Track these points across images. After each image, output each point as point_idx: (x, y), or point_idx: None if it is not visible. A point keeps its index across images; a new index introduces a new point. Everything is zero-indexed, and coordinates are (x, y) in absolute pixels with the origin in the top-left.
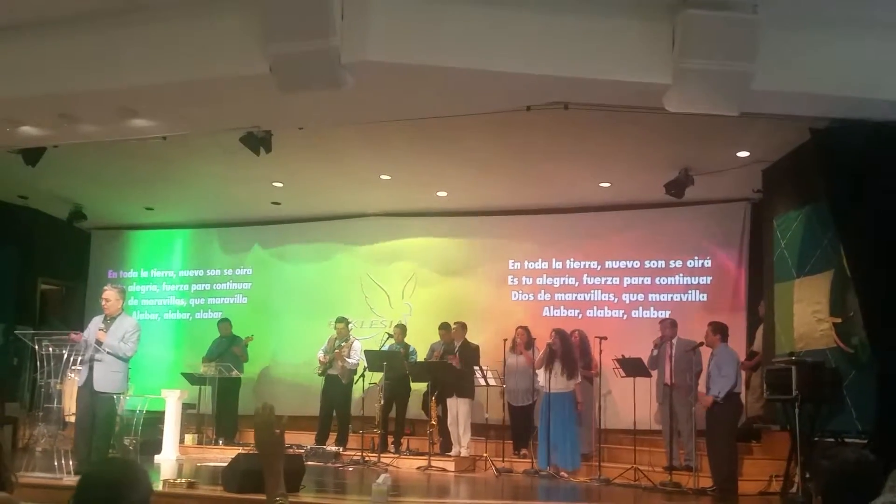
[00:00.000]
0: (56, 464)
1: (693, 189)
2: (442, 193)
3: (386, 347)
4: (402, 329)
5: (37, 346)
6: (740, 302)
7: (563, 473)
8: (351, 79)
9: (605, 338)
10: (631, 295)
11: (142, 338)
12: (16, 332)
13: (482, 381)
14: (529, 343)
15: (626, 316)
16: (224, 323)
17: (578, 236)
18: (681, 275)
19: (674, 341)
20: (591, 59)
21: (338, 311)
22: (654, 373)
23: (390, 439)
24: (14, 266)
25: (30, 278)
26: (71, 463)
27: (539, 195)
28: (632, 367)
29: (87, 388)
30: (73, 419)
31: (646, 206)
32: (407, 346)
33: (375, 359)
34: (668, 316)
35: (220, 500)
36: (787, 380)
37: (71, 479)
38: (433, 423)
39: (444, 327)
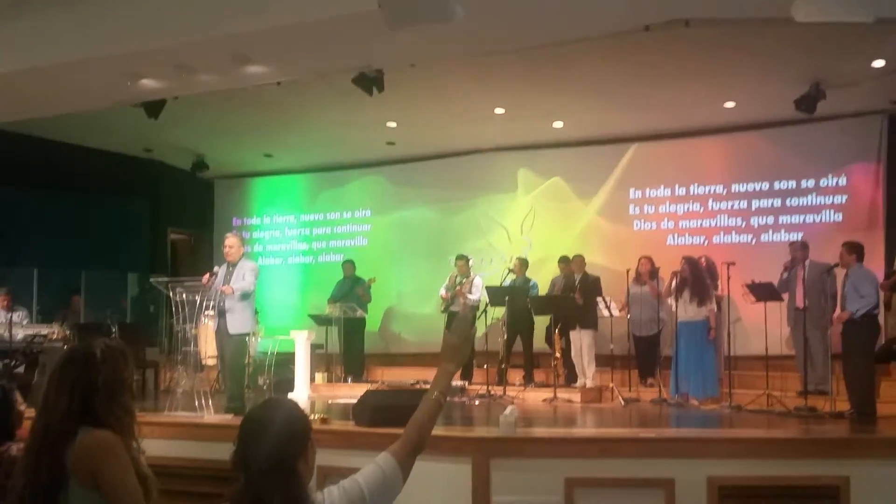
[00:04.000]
0: (196, 403)
1: (825, 103)
2: (558, 124)
3: (507, 283)
4: (522, 263)
5: (171, 294)
6: (878, 220)
7: (692, 401)
8: (461, 10)
9: (734, 263)
10: (760, 218)
11: (269, 281)
12: (151, 280)
13: (605, 313)
14: (654, 273)
15: (754, 241)
16: (348, 264)
17: (702, 160)
18: (813, 195)
19: (805, 264)
20: None
21: (457, 248)
22: (785, 297)
23: (514, 373)
24: (145, 217)
25: (160, 229)
26: (211, 402)
27: (660, 120)
28: (763, 292)
29: (221, 334)
30: (209, 362)
31: (774, 125)
32: (527, 280)
33: (497, 294)
34: (800, 238)
35: (352, 434)
36: None
37: (212, 418)
38: (557, 355)
39: (563, 261)
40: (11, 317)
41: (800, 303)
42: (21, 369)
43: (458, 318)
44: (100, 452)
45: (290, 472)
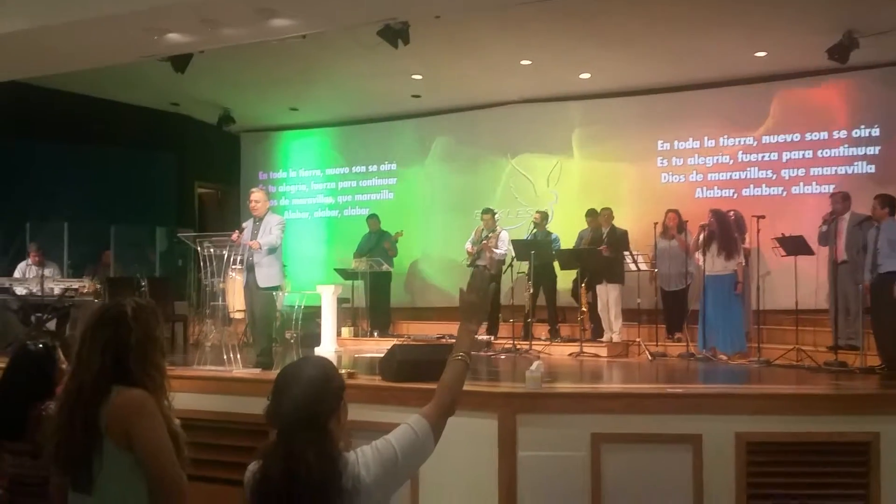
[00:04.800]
0: (224, 357)
1: (858, 52)
2: (585, 75)
3: (529, 237)
4: (543, 216)
5: (199, 248)
6: None
7: (720, 356)
8: None
9: (763, 216)
10: (791, 170)
11: (295, 236)
12: (178, 234)
13: (633, 267)
14: (681, 226)
15: (785, 193)
16: (373, 219)
17: (732, 111)
18: (846, 146)
19: (846, 216)
20: None
21: (483, 202)
22: (824, 250)
23: (540, 327)
24: (172, 171)
25: (187, 183)
26: (239, 356)
27: (688, 70)
28: (793, 246)
29: (249, 288)
30: (237, 315)
31: (806, 75)
32: (549, 234)
33: (522, 248)
34: (833, 190)
35: (379, 389)
36: None
37: (240, 371)
38: (584, 309)
39: (590, 214)
40: (43, 272)
41: (839, 256)
42: (52, 324)
43: (474, 275)
44: (134, 411)
45: (322, 429)
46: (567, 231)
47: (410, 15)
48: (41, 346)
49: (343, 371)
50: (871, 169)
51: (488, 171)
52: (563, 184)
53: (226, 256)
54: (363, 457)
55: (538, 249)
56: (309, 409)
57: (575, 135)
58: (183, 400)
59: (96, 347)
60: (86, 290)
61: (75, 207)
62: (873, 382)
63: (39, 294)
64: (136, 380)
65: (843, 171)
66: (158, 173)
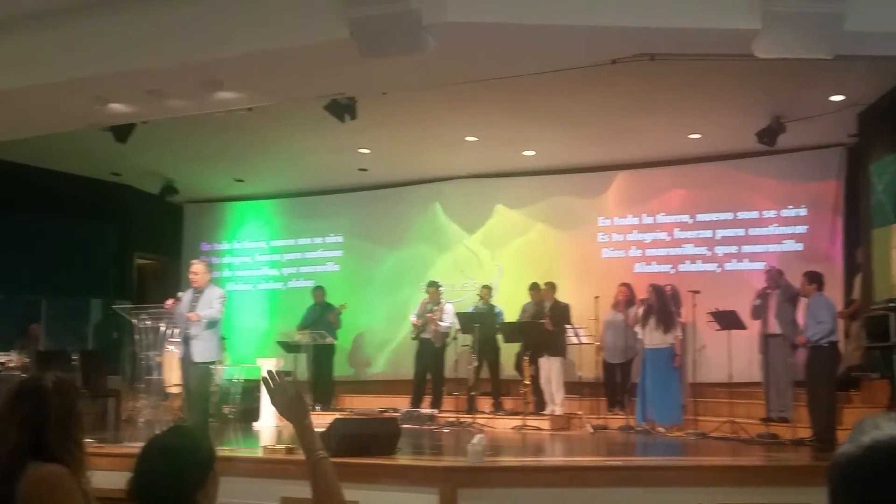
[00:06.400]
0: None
1: (785, 136)
2: (529, 153)
3: (474, 309)
4: (488, 290)
5: (135, 321)
6: (837, 250)
7: (658, 429)
8: (433, 41)
9: (699, 291)
10: (724, 247)
11: (237, 308)
12: (114, 307)
13: (574, 340)
14: (630, 301)
15: (720, 269)
16: (318, 290)
17: (669, 190)
18: (775, 225)
19: (777, 291)
20: (676, 7)
21: (429, 274)
22: (757, 323)
23: (482, 400)
24: (111, 242)
25: (126, 254)
26: None
27: (627, 150)
28: (726, 320)
29: (185, 361)
30: (173, 390)
31: (737, 156)
32: (492, 307)
33: (467, 321)
34: (764, 266)
35: None
36: (886, 327)
37: None
38: (526, 382)
39: (533, 287)
40: None
41: (770, 329)
42: None
43: (265, 382)
44: (51, 488)
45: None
46: (511, 305)
47: (357, 91)
48: None
49: (281, 446)
50: (800, 247)
51: (433, 245)
52: (507, 258)
53: (162, 329)
54: None
55: (482, 322)
56: (172, 483)
57: (519, 210)
58: (111, 478)
59: (14, 421)
60: (13, 365)
61: (7, 280)
62: (804, 454)
63: None
64: (55, 455)
65: (773, 249)
66: (96, 244)
